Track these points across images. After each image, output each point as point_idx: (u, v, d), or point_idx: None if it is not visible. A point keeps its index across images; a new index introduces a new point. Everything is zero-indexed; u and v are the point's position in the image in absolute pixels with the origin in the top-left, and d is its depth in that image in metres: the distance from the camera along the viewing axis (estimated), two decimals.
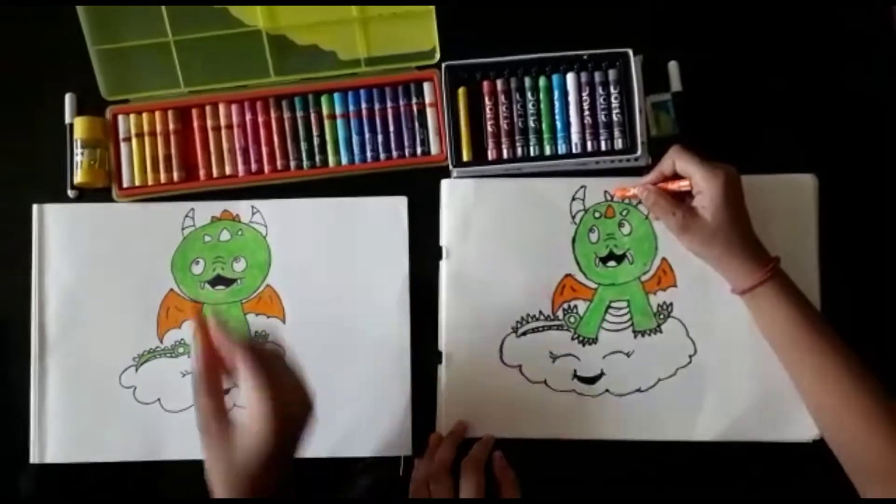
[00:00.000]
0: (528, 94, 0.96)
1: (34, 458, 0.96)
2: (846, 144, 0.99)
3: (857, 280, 0.97)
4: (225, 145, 0.98)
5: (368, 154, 0.97)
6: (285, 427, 0.77)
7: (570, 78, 0.95)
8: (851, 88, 1.00)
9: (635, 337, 0.95)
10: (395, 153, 0.98)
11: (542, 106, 0.96)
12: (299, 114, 0.98)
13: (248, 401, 0.77)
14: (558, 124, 0.96)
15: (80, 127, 0.96)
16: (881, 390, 0.84)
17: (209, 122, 0.98)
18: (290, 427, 0.78)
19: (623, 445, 0.94)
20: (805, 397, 0.90)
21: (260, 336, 0.97)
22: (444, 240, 0.96)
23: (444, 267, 0.96)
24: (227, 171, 0.98)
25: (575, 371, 0.95)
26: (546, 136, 0.96)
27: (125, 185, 0.97)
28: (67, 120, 0.98)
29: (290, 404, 0.78)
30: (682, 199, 0.90)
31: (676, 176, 0.90)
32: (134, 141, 0.97)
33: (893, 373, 0.87)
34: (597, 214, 0.96)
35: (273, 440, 0.76)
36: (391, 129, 0.98)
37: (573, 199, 0.96)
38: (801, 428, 0.93)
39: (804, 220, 0.96)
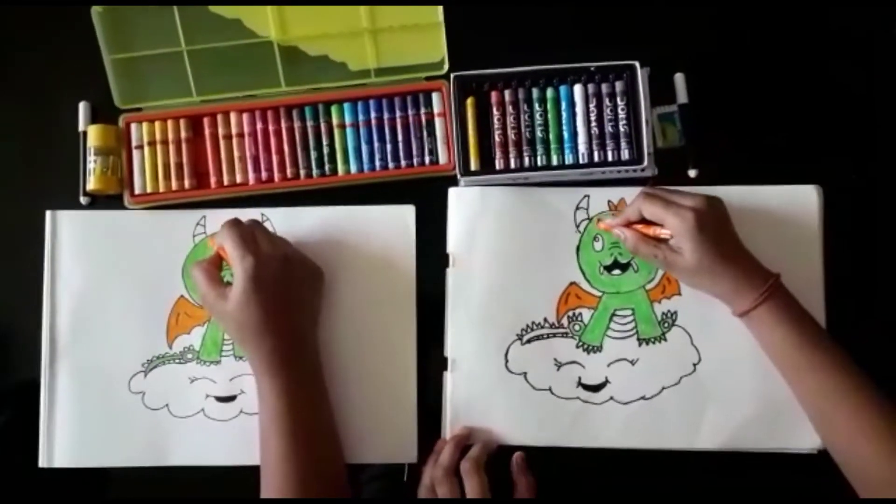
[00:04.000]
0: (536, 105, 0.97)
1: (43, 463, 0.96)
2: (852, 156, 1.00)
3: (861, 292, 0.98)
4: (236, 153, 0.99)
5: (377, 163, 0.98)
6: (266, 276, 0.87)
7: (578, 89, 0.96)
8: (859, 101, 1.01)
9: (640, 345, 0.95)
10: (403, 162, 0.99)
11: (550, 116, 0.97)
12: (309, 123, 0.99)
13: (230, 260, 0.89)
14: (565, 135, 0.96)
15: (93, 135, 0.97)
16: (888, 405, 0.84)
17: (220, 131, 0.99)
18: (271, 277, 0.88)
19: (627, 454, 0.95)
20: (809, 414, 0.90)
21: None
22: (451, 247, 0.97)
23: (450, 274, 0.97)
24: (238, 179, 0.99)
25: (579, 378, 0.95)
26: (553, 146, 0.96)
27: (137, 192, 0.98)
28: (81, 128, 1.00)
29: (269, 257, 0.89)
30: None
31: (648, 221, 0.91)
32: (146, 149, 0.99)
33: None
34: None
35: (256, 290, 0.86)
36: (400, 138, 0.99)
37: (577, 208, 0.97)
38: (805, 438, 0.93)
39: (808, 232, 0.96)
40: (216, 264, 0.91)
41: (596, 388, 0.95)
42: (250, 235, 0.89)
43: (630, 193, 0.97)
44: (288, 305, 0.89)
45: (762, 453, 0.94)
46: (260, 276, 0.86)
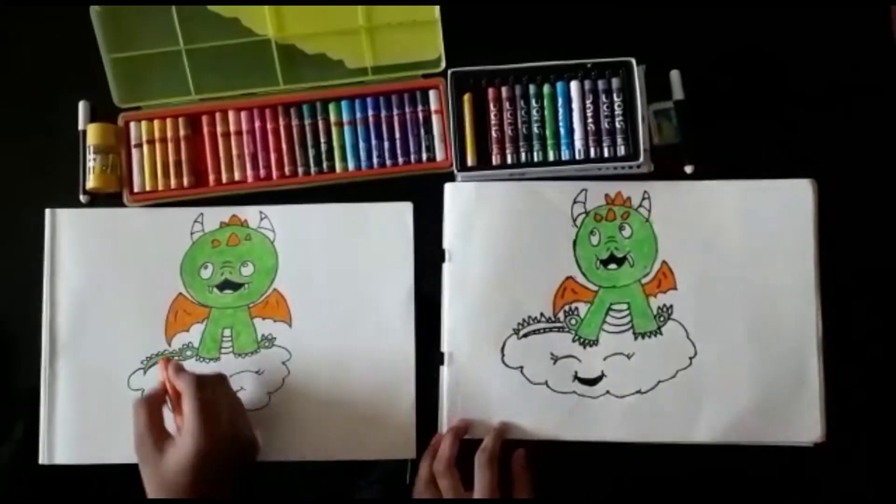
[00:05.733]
0: (533, 101, 0.97)
1: (43, 460, 0.96)
2: (848, 151, 1.00)
3: (854, 285, 0.98)
4: (234, 151, 0.99)
5: (375, 160, 0.99)
6: (213, 447, 0.84)
7: (574, 86, 0.97)
8: (853, 95, 1.01)
9: (636, 339, 0.96)
10: (400, 159, 0.99)
11: (546, 112, 0.97)
12: (307, 121, 0.99)
13: (185, 424, 0.85)
14: (562, 131, 0.97)
15: (92, 133, 0.98)
16: None
17: (219, 129, 1.00)
18: (218, 462, 0.85)
19: (623, 447, 0.95)
20: None
21: (266, 340, 0.98)
22: (447, 242, 0.97)
23: (446, 269, 0.97)
24: (236, 176, 0.99)
25: (576, 373, 0.95)
26: (550, 142, 0.97)
27: (136, 190, 0.99)
28: (80, 126, 1.00)
29: (223, 441, 0.86)
30: None
31: None
32: (145, 147, 0.99)
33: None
34: (598, 217, 0.97)
35: (198, 458, 0.83)
36: (397, 135, 0.99)
37: (574, 202, 0.97)
38: (801, 431, 0.93)
39: (802, 225, 0.96)
40: (162, 402, 0.89)
41: (592, 382, 0.95)
42: (213, 407, 0.87)
43: (627, 188, 0.97)
44: (220, 481, 0.86)
45: (759, 446, 0.95)
46: (207, 459, 0.84)
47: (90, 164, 0.98)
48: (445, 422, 0.95)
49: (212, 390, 0.88)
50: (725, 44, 1.02)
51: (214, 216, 1.00)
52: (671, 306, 0.96)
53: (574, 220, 0.97)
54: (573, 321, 0.96)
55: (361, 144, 0.99)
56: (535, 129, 0.97)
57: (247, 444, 0.91)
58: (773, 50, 1.02)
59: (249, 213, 1.00)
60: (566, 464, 0.95)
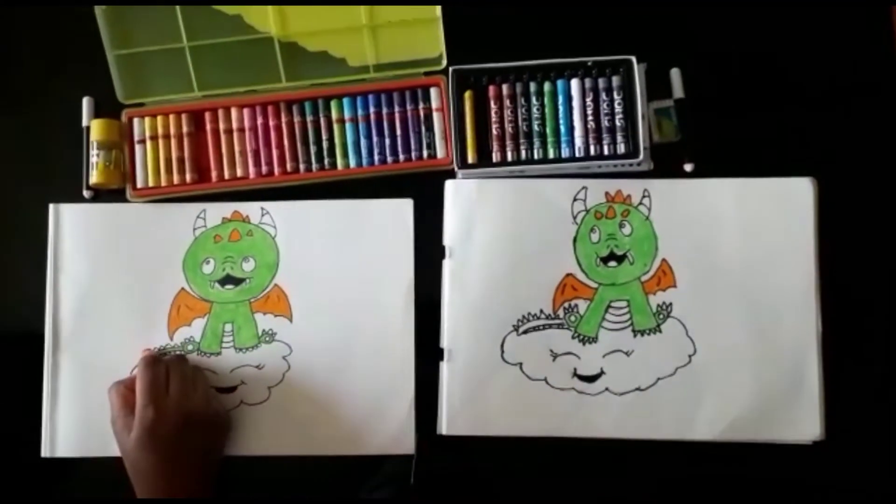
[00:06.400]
0: (533, 99, 0.97)
1: (45, 452, 0.97)
2: (847, 150, 1.00)
3: (854, 284, 0.98)
4: (237, 148, 1.00)
5: (376, 157, 0.99)
6: (163, 433, 0.88)
7: (575, 83, 0.97)
8: (853, 95, 1.01)
9: (635, 336, 0.96)
10: (401, 156, 0.99)
11: (547, 110, 0.97)
12: (309, 118, 1.00)
13: (136, 401, 0.90)
14: (562, 128, 0.97)
15: (96, 129, 0.99)
16: None
17: (221, 126, 1.00)
18: (168, 434, 0.89)
19: (622, 444, 0.95)
20: None
21: (267, 335, 0.99)
22: (448, 239, 0.98)
23: (446, 266, 0.97)
24: (239, 173, 1.00)
25: (575, 369, 0.96)
26: (550, 139, 0.97)
27: (139, 185, 1.00)
28: (84, 122, 1.01)
29: (171, 414, 0.89)
30: None
31: None
32: (148, 143, 1.00)
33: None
34: (598, 215, 0.97)
35: (150, 443, 0.88)
36: (398, 132, 0.99)
37: (574, 199, 0.97)
38: (800, 429, 0.93)
39: (802, 224, 0.96)
40: (134, 389, 0.92)
41: (591, 379, 0.96)
42: (163, 380, 0.91)
43: (627, 186, 0.98)
44: (183, 460, 0.90)
45: (758, 444, 0.95)
46: (156, 431, 0.88)
47: (94, 159, 0.98)
48: (444, 418, 0.95)
49: (164, 368, 0.92)
50: (726, 42, 1.02)
51: (216, 212, 1.00)
52: (670, 304, 0.96)
53: (574, 218, 0.97)
54: (573, 318, 0.96)
55: (363, 141, 0.99)
56: (536, 127, 0.97)
57: (205, 420, 0.93)
58: (773, 49, 1.01)
59: (251, 209, 1.00)
60: (565, 461, 0.95)
